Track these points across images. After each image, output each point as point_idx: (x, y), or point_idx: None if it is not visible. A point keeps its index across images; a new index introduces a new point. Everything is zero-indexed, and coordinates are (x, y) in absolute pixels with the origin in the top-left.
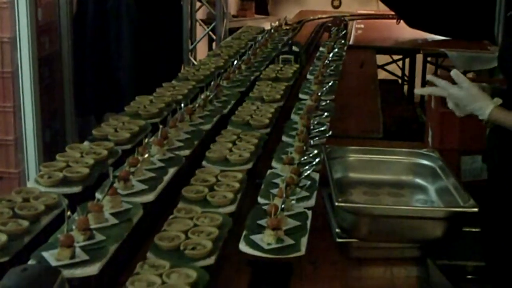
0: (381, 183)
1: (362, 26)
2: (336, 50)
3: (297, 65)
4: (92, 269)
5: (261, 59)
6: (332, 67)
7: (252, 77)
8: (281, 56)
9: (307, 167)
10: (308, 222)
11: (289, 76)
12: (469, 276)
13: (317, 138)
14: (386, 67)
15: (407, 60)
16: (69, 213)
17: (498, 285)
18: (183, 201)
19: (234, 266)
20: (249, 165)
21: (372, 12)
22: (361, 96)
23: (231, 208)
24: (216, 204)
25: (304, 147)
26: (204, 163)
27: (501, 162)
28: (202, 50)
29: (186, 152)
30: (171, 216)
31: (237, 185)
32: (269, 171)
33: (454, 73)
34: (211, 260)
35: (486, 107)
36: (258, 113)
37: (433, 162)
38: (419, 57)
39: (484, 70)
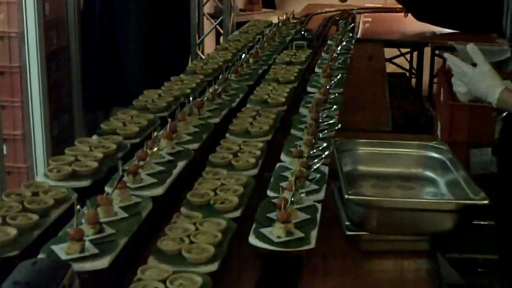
0: (391, 176)
1: (370, 19)
2: (344, 43)
3: (310, 50)
4: (102, 263)
5: (269, 52)
6: (340, 61)
7: (260, 71)
8: (294, 43)
9: (316, 160)
10: (318, 215)
11: (302, 60)
12: (480, 269)
13: (326, 131)
14: (394, 61)
15: (415, 54)
16: (78, 207)
17: (509, 278)
18: (210, 166)
19: (244, 260)
20: (269, 137)
21: (380, 5)
22: (369, 89)
23: (254, 171)
24: (240, 168)
25: (313, 140)
26: (227, 135)
27: (511, 154)
28: (209, 44)
29: (195, 145)
30: (200, 178)
31: (258, 152)
32: (278, 164)
33: (470, 47)
34: (237, 213)
35: (496, 87)
36: (274, 92)
37: (443, 154)
38: (427, 50)
39: (493, 63)
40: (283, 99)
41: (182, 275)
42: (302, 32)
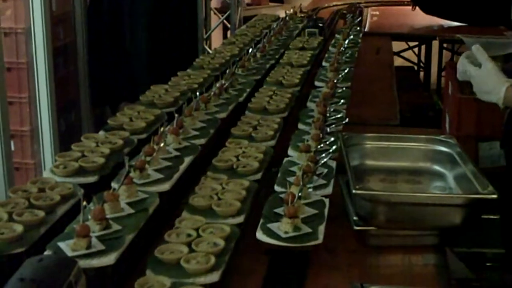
0: (399, 170)
1: (377, 13)
2: (351, 37)
3: (321, 37)
4: (109, 259)
5: (276, 47)
6: (347, 54)
7: (268, 65)
8: (306, 30)
9: (323, 154)
10: (326, 210)
11: (315, 46)
12: (488, 264)
13: (333, 125)
14: (402, 54)
15: (423, 47)
16: (84, 203)
17: None
18: (233, 137)
19: (251, 255)
20: (285, 114)
21: None
22: (377, 83)
23: (272, 142)
24: (260, 139)
25: (321, 135)
26: (246, 112)
27: None
28: (216, 39)
29: (202, 140)
30: (223, 148)
31: (275, 125)
32: (285, 159)
33: (475, 47)
34: (258, 176)
35: (500, 85)
36: (289, 74)
37: (451, 148)
38: (435, 44)
39: (500, 55)
40: (297, 80)
41: (213, 225)
42: (314, 19)
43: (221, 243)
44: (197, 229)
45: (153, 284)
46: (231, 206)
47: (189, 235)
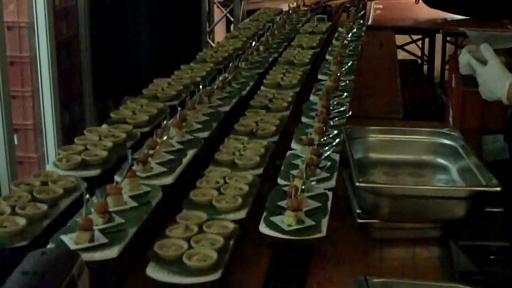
0: (402, 163)
1: (381, 6)
2: (355, 30)
3: (330, 23)
4: (111, 252)
5: (279, 40)
6: (351, 48)
7: (271, 59)
8: (316, 16)
9: (327, 147)
10: (329, 203)
11: (323, 30)
12: (492, 257)
13: (336, 118)
14: (406, 47)
15: (426, 40)
16: (87, 196)
17: None
18: (251, 108)
19: (254, 248)
20: (297, 89)
21: None
22: (380, 76)
23: (287, 113)
24: (275, 109)
25: (324, 128)
26: (262, 87)
27: None
28: (220, 32)
29: (205, 134)
30: (243, 116)
31: (289, 99)
32: (288, 152)
33: (483, 46)
34: (275, 138)
35: (504, 79)
36: (299, 55)
37: (455, 141)
38: (439, 37)
39: (504, 49)
40: (307, 60)
41: (237, 174)
42: (323, 5)
43: (246, 188)
44: (224, 178)
45: (191, 217)
46: (251, 160)
47: (217, 182)
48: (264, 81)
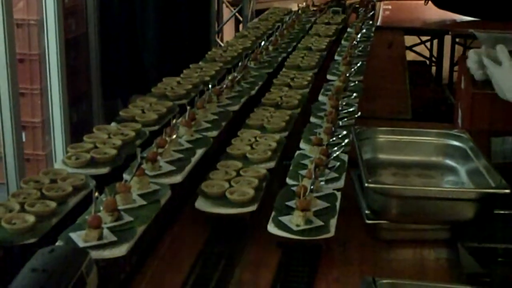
0: (411, 164)
1: (390, 7)
2: (364, 31)
3: (344, 15)
4: (120, 250)
5: (288, 40)
6: (360, 48)
7: (280, 58)
8: (331, 9)
9: (336, 148)
10: (337, 204)
11: (339, 22)
12: (500, 259)
13: (345, 119)
14: (414, 48)
15: (435, 41)
16: (96, 194)
17: None
18: (274, 86)
19: (262, 248)
20: (315, 70)
21: None
22: (389, 77)
23: (306, 91)
24: (297, 87)
25: (333, 128)
26: (283, 69)
27: None
28: (228, 32)
29: (214, 133)
30: (268, 92)
31: (309, 78)
32: (297, 152)
33: (499, 47)
34: (298, 110)
35: None
36: (316, 43)
37: (464, 143)
38: (448, 38)
39: None
40: (324, 46)
41: (266, 135)
42: (338, 0)
43: (274, 144)
44: (255, 137)
45: (229, 165)
46: (278, 125)
47: (249, 140)
48: (285, 63)
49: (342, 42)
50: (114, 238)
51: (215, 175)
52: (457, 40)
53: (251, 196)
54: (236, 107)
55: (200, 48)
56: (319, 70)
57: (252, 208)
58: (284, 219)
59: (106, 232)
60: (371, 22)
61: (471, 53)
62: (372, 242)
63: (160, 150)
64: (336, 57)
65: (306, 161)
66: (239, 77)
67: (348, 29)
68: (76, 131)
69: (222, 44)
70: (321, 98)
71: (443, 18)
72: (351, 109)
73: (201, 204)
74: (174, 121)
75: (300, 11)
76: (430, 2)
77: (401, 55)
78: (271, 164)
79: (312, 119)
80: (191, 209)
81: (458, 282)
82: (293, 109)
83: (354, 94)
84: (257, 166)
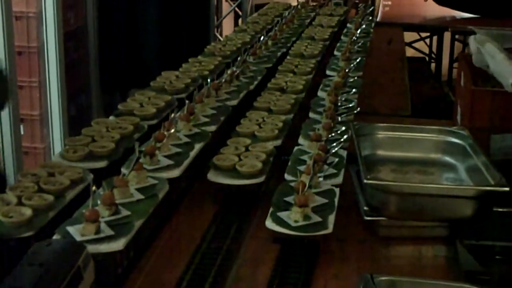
0: (410, 161)
1: (390, 2)
2: (363, 26)
3: (346, 7)
4: (117, 245)
5: (287, 35)
6: (359, 44)
7: (279, 53)
8: (333, 1)
9: (334, 144)
10: (336, 200)
11: (341, 13)
12: (498, 257)
13: (344, 115)
14: (414, 45)
15: (434, 38)
16: (94, 188)
17: None
18: (279, 72)
19: (260, 244)
20: (319, 58)
21: None
22: (388, 73)
23: (309, 77)
24: (300, 73)
25: (332, 124)
26: (288, 57)
27: None
28: (228, 26)
29: (212, 127)
30: (273, 77)
31: (312, 65)
32: (296, 148)
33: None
34: (302, 95)
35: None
36: (319, 33)
37: (463, 140)
38: (447, 35)
39: None
40: (326, 36)
41: (273, 115)
42: None
43: (280, 124)
44: (262, 118)
45: (239, 142)
46: (283, 107)
47: (257, 120)
48: (290, 51)
49: (342, 37)
50: (111, 232)
51: (226, 150)
52: (456, 36)
53: (259, 169)
54: (234, 102)
55: (199, 42)
56: (321, 58)
57: (260, 179)
58: (283, 215)
59: (103, 226)
60: (370, 18)
61: (471, 38)
62: (371, 238)
63: (158, 144)
64: (335, 53)
65: (304, 157)
66: (238, 71)
67: (348, 25)
68: (74, 124)
69: (221, 39)
70: (320, 93)
71: (443, 14)
72: (350, 105)
73: (213, 176)
74: (172, 115)
75: (299, 6)
76: None
77: (401, 51)
78: (278, 142)
79: (311, 115)
80: (189, 203)
81: (456, 280)
82: (297, 94)
83: (353, 90)
84: (265, 143)
